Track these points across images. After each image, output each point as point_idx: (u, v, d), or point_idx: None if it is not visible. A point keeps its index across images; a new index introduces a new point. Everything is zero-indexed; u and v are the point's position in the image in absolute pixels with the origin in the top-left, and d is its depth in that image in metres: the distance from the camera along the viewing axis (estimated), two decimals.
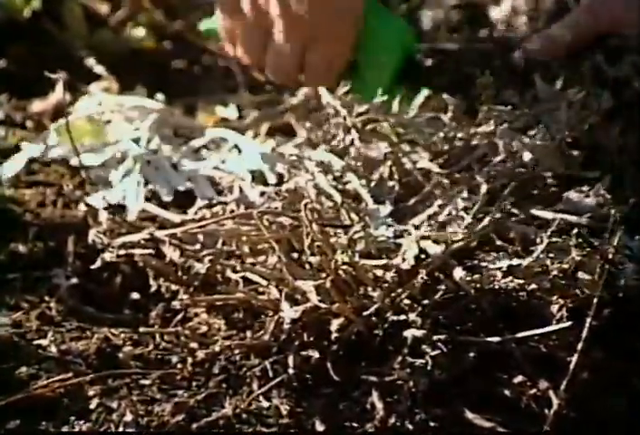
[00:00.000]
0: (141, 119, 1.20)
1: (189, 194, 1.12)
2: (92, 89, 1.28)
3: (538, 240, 0.91)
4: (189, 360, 0.93)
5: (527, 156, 1.00)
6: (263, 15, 1.15)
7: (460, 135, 1.03)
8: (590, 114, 1.05)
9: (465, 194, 0.97)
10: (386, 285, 0.89)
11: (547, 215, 0.95)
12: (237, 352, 0.93)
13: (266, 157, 1.13)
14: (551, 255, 0.90)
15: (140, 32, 1.45)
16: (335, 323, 0.90)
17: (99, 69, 1.30)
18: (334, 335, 0.90)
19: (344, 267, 0.89)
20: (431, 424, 0.87)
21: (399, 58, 1.18)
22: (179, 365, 0.93)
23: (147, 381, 0.91)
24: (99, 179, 1.13)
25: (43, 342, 0.95)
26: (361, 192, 0.98)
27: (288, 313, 0.89)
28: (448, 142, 1.04)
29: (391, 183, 1.01)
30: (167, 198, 1.11)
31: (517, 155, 1.00)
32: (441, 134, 1.04)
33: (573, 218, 0.93)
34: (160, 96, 1.28)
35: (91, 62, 1.32)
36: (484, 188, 0.95)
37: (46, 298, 1.02)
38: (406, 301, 0.90)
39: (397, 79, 1.18)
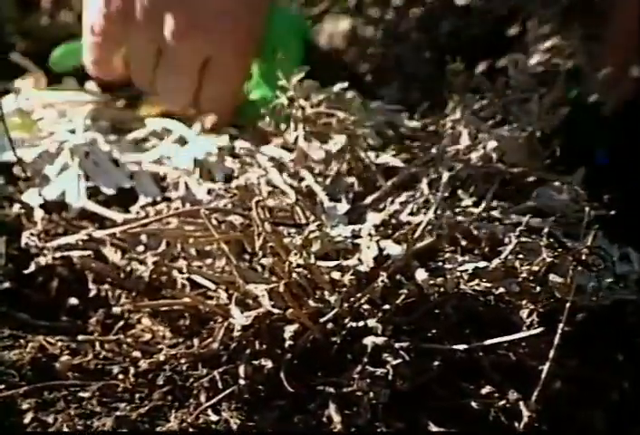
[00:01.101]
0: (75, 112, 1.17)
1: (132, 191, 1.09)
2: (18, 84, 1.24)
3: (507, 240, 0.90)
4: (132, 370, 0.90)
5: (491, 146, 0.99)
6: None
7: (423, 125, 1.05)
8: (561, 104, 1.05)
9: (426, 189, 0.96)
10: (344, 288, 0.87)
11: (516, 212, 0.94)
12: (183, 361, 0.90)
13: (215, 150, 1.10)
14: (520, 256, 0.88)
15: (75, 16, 1.41)
16: (290, 330, 0.88)
17: (25, 63, 1.26)
18: (288, 343, 0.87)
19: (299, 270, 0.87)
20: None
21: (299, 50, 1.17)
22: (120, 376, 0.91)
23: (86, 394, 0.89)
24: (34, 175, 1.09)
25: None
26: (316, 189, 0.96)
27: (239, 319, 0.87)
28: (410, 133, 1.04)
29: (349, 179, 0.99)
30: (109, 192, 1.08)
31: (480, 146, 1.00)
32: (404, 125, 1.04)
33: (542, 218, 0.92)
34: (90, 85, 1.23)
35: (15, 56, 1.28)
36: (445, 176, 0.94)
37: None
38: (365, 306, 0.87)
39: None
